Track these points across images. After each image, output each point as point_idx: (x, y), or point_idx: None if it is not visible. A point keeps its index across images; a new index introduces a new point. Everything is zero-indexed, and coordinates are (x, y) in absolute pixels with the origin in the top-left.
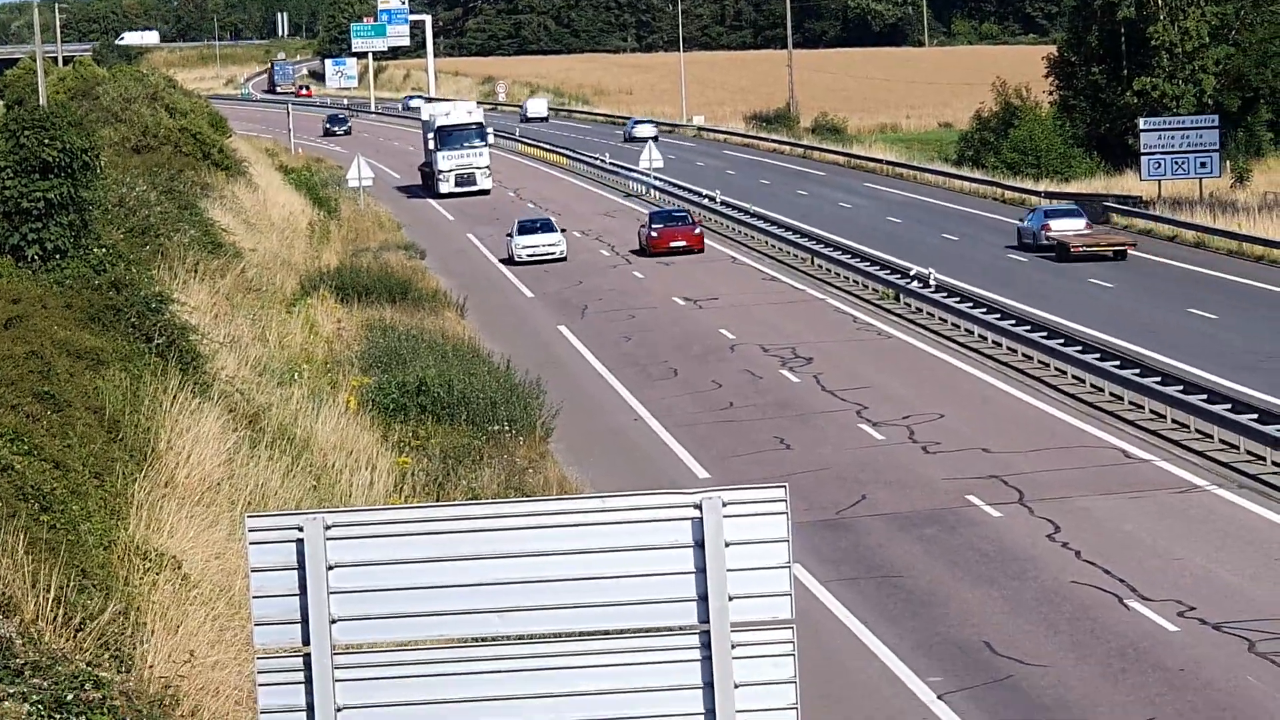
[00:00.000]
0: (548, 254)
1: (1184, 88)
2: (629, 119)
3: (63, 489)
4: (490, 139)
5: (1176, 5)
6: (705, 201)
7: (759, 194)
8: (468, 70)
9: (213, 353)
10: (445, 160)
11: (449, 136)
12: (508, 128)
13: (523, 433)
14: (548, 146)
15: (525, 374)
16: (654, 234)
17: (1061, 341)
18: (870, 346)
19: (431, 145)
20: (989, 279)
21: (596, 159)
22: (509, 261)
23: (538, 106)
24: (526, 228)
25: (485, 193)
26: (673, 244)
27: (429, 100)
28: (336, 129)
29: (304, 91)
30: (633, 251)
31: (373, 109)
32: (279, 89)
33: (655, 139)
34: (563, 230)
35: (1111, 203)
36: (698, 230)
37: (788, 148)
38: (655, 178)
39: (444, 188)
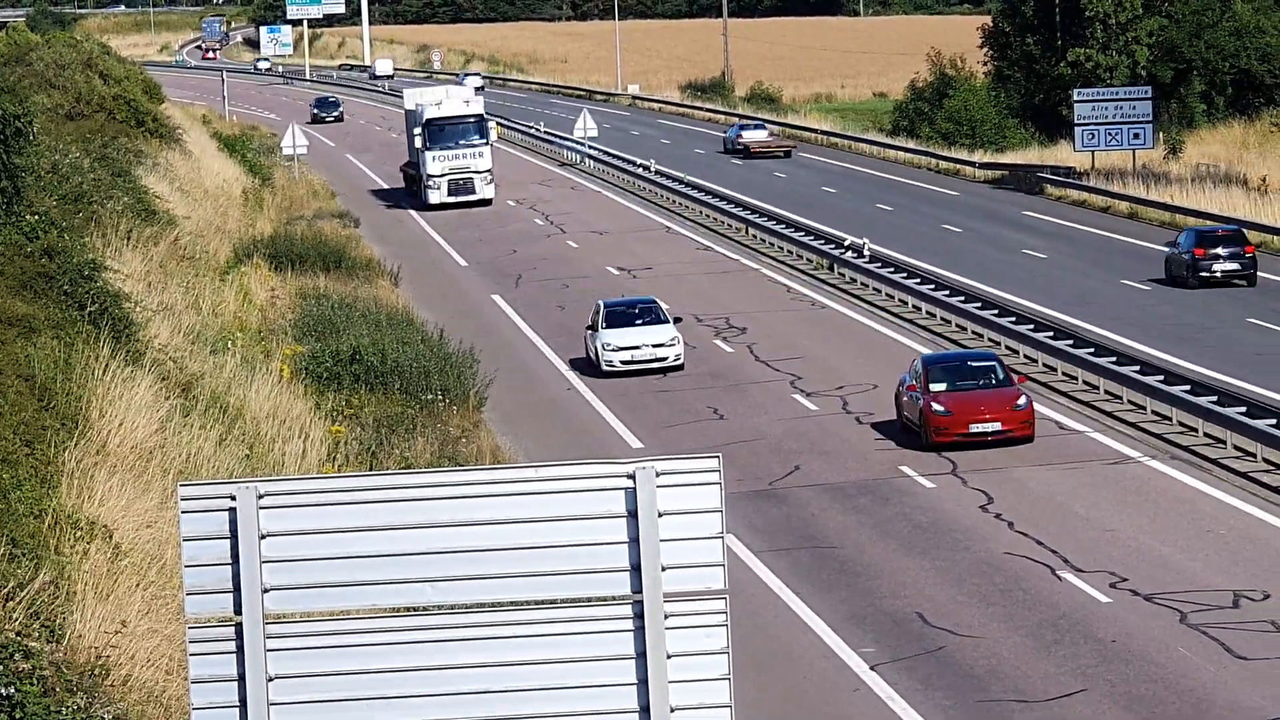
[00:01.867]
0: (656, 362)
1: (1118, 59)
2: (557, 85)
3: None
4: (494, 135)
5: None
6: (640, 170)
7: (694, 163)
8: (403, 38)
9: (146, 320)
10: (436, 162)
11: (440, 132)
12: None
13: (456, 402)
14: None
15: (459, 343)
16: (938, 410)
17: (995, 312)
18: (804, 316)
19: (419, 143)
20: (924, 249)
21: (530, 127)
22: (582, 356)
23: (384, 66)
24: (618, 316)
25: (486, 203)
26: (977, 427)
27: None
28: (326, 115)
29: (210, 55)
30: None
31: (308, 76)
32: (203, 46)
33: (481, 89)
34: (677, 319)
35: (1045, 173)
36: (1023, 400)
37: (723, 117)
38: (590, 146)
39: (434, 196)
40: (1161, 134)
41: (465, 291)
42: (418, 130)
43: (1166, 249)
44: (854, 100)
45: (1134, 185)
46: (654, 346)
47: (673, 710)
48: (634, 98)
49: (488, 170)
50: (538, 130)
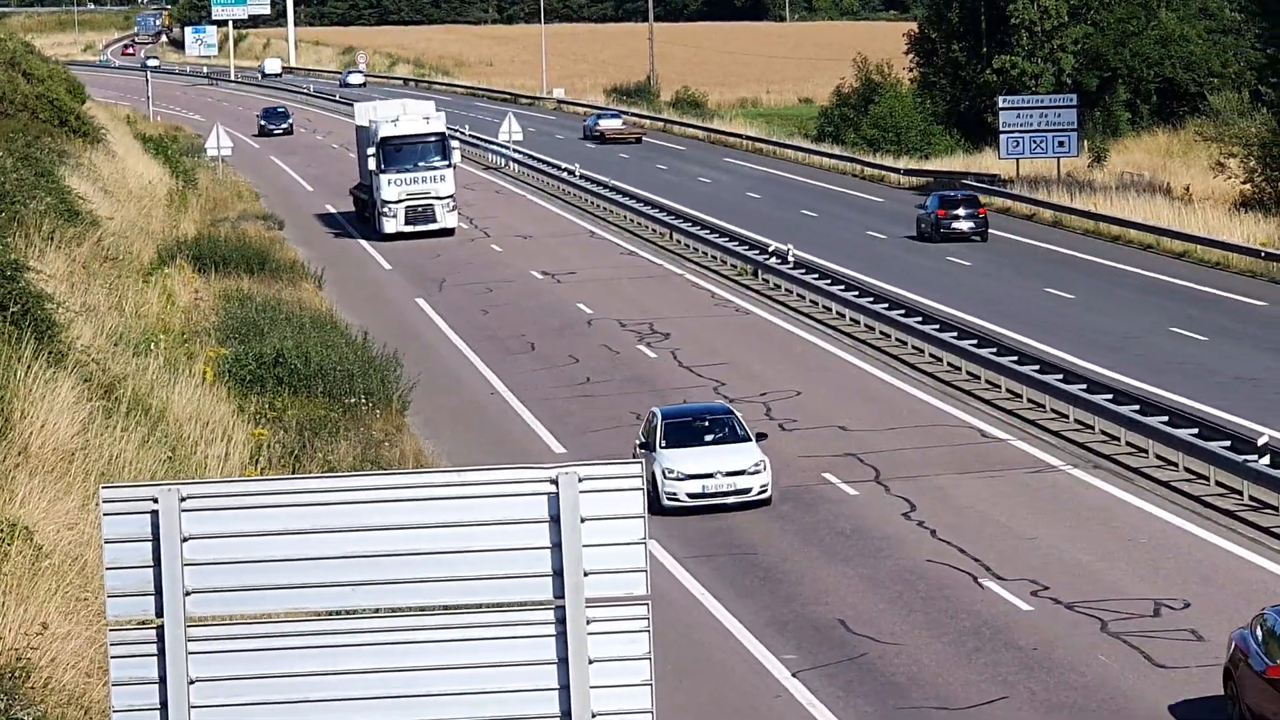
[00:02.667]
0: (736, 496)
1: (1043, 66)
2: (482, 88)
3: None
4: (456, 157)
5: None
6: (565, 175)
7: (618, 168)
8: (329, 40)
9: (68, 321)
10: (392, 187)
11: (397, 153)
12: (366, 98)
13: (379, 406)
14: None
15: (382, 346)
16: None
17: (919, 319)
18: (728, 322)
19: (373, 164)
20: (848, 255)
21: (455, 130)
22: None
23: (273, 65)
24: (681, 432)
25: (448, 233)
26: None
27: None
28: (274, 126)
29: (128, 50)
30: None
31: (232, 78)
32: (137, 40)
33: (364, 84)
34: (760, 436)
35: (970, 180)
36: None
37: (648, 121)
38: (515, 150)
39: (389, 225)
40: (1086, 142)
41: (389, 295)
42: (371, 150)
43: (918, 210)
44: (779, 105)
45: (1058, 193)
46: (730, 475)
47: (594, 716)
48: (559, 101)
49: (450, 196)
50: (463, 134)
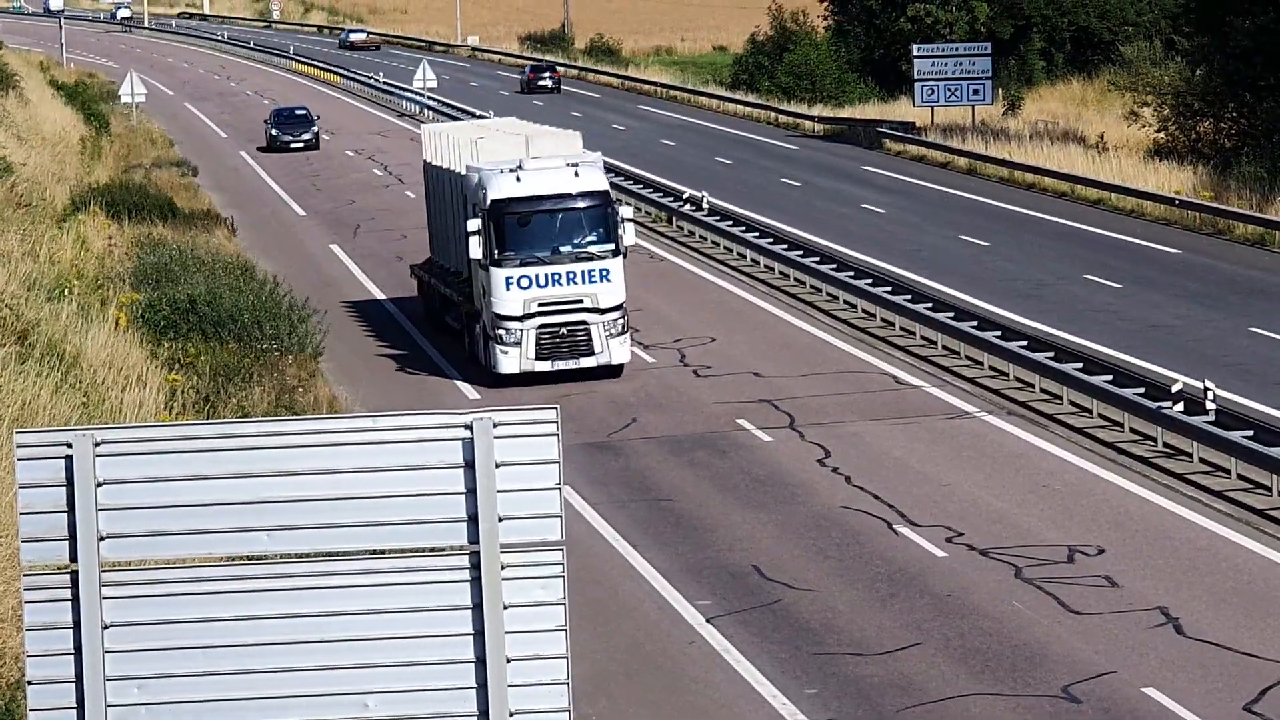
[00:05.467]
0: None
1: (957, 14)
2: (396, 36)
3: None
4: (630, 233)
5: None
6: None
7: (532, 115)
8: None
9: None
10: (513, 291)
11: (522, 229)
12: (281, 45)
13: (293, 351)
14: (321, 65)
15: (296, 293)
16: None
17: (834, 267)
18: (643, 269)
19: (475, 249)
20: (763, 203)
21: (371, 78)
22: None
23: (125, 10)
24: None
25: (615, 372)
26: None
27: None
28: (291, 138)
29: None
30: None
31: (146, 24)
32: None
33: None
34: None
35: (885, 129)
36: None
37: (562, 69)
38: (429, 97)
39: (508, 361)
40: (1001, 90)
41: (303, 241)
42: (473, 225)
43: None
44: (694, 54)
45: (973, 141)
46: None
47: (509, 661)
48: (473, 49)
49: (617, 307)
50: (377, 81)
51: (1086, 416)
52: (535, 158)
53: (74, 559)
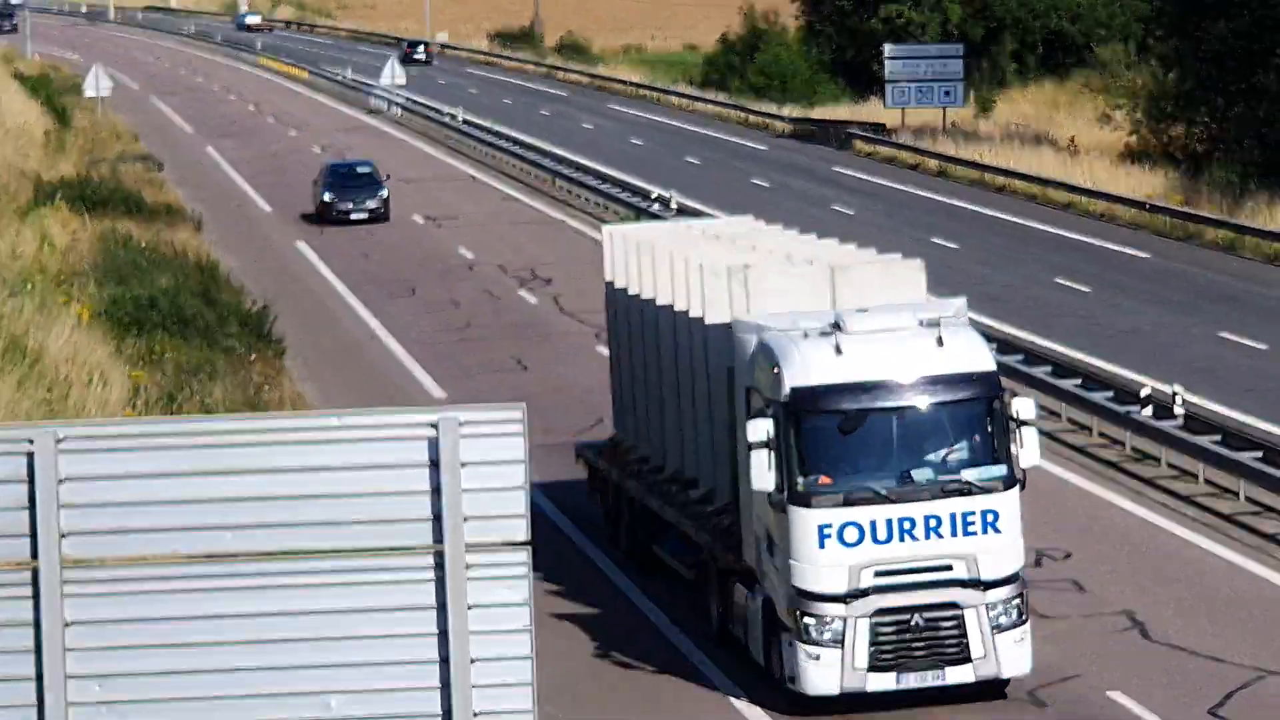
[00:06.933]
0: None
1: (929, 15)
2: (365, 31)
3: None
4: (1032, 451)
5: None
6: (447, 120)
7: (501, 113)
8: None
9: None
10: (836, 546)
11: (853, 436)
12: (248, 40)
13: (258, 348)
14: (289, 61)
15: (263, 289)
16: None
17: None
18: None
19: (762, 463)
20: (732, 203)
21: (338, 75)
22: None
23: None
24: None
25: (999, 692)
26: None
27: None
28: (354, 207)
29: None
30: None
31: (111, 18)
32: None
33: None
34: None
35: (855, 129)
36: None
37: (531, 67)
38: (398, 94)
39: (819, 673)
40: (973, 92)
41: (269, 237)
42: (757, 428)
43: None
44: (665, 52)
45: (944, 143)
46: None
47: (473, 661)
48: (442, 46)
49: (1011, 577)
50: (344, 77)
51: (1055, 420)
52: (861, 310)
53: (35, 556)
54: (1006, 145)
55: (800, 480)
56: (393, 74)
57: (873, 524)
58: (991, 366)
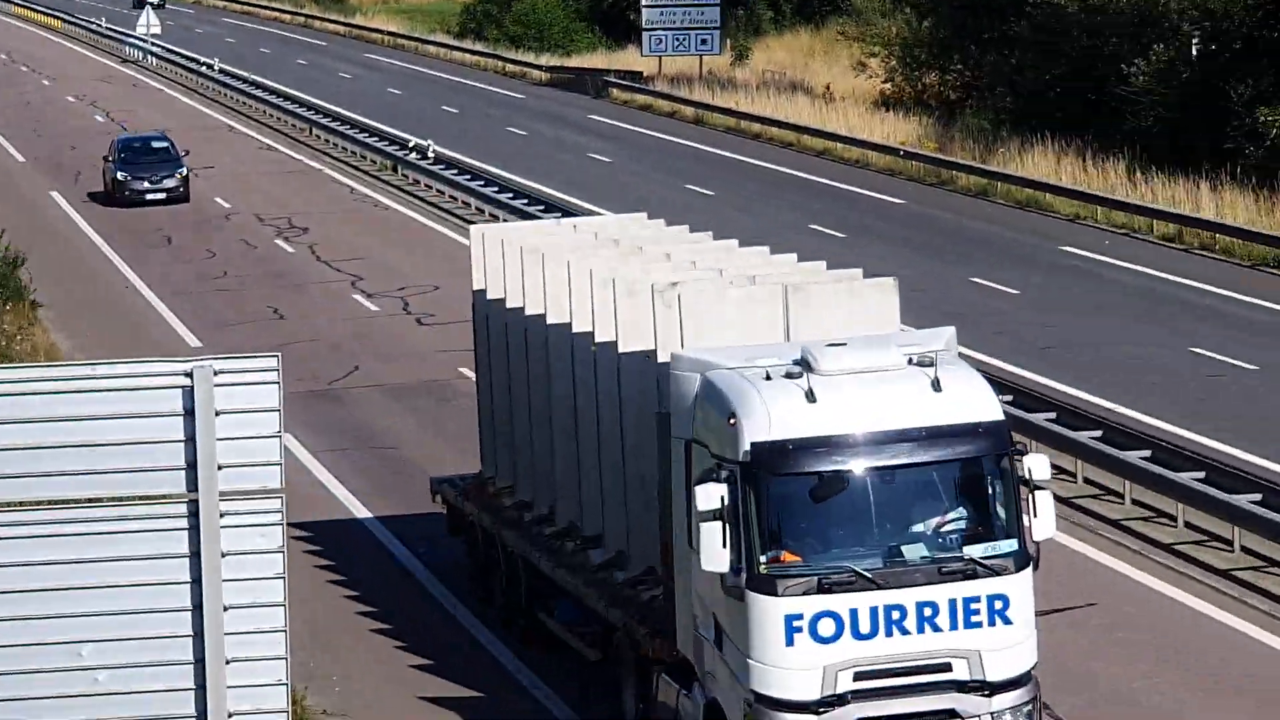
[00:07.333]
0: None
1: None
2: None
3: None
4: (1047, 522)
5: None
6: (204, 69)
7: (258, 62)
8: None
9: None
10: (808, 642)
11: (827, 504)
12: None
13: (9, 299)
14: (42, 10)
15: (13, 240)
16: None
17: (559, 215)
18: (367, 218)
19: (712, 538)
20: (489, 152)
21: (93, 23)
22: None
23: None
24: None
25: None
26: None
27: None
28: (149, 185)
29: None
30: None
31: None
32: None
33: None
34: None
35: (612, 78)
36: None
37: (288, 16)
38: (153, 43)
39: None
40: (729, 40)
41: (22, 187)
42: (707, 494)
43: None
44: (422, 2)
45: (700, 91)
46: None
47: (226, 609)
48: None
49: (1022, 678)
50: (99, 26)
51: None
52: (834, 344)
53: None
54: (763, 93)
55: (762, 560)
56: (148, 23)
57: (853, 614)
58: (1000, 416)
